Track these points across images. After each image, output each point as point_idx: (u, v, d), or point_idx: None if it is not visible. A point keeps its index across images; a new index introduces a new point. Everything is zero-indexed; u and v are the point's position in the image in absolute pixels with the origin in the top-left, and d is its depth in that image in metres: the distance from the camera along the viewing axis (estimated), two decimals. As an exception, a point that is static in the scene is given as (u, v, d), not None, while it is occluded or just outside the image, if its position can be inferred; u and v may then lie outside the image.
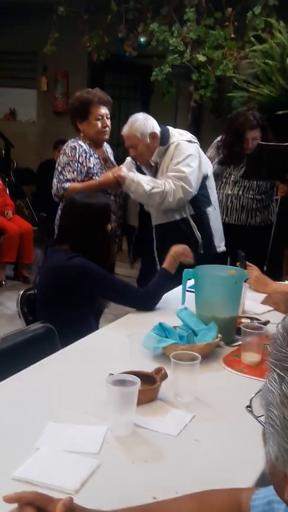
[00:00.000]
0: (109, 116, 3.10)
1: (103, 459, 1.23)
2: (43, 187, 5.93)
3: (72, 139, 3.09)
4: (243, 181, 3.72)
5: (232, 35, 4.74)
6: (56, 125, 6.29)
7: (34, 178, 6.39)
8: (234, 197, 3.75)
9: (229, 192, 3.75)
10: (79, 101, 3.05)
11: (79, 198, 2.37)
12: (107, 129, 3.09)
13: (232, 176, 3.75)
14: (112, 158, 3.25)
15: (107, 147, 3.25)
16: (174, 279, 2.32)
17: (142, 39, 5.30)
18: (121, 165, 3.07)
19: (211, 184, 3.14)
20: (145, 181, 2.91)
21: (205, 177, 3.03)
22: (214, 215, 3.12)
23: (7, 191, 5.62)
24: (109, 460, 1.24)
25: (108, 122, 3.08)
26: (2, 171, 6.20)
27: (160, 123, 3.14)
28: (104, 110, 3.04)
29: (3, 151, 6.44)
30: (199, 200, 3.02)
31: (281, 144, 3.51)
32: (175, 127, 3.20)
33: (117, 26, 5.36)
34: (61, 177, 2.98)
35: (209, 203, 3.07)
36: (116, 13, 5.28)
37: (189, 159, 2.93)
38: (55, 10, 5.47)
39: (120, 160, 3.31)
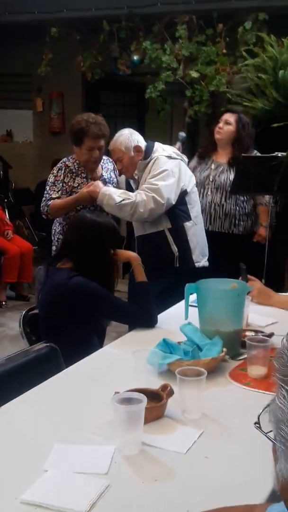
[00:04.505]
0: (103, 148, 3.08)
1: (112, 480, 1.22)
2: (42, 207, 5.97)
3: (64, 159, 3.17)
4: (225, 186, 3.72)
5: (224, 51, 4.80)
6: (53, 145, 6.33)
7: (32, 198, 6.41)
8: (217, 205, 3.75)
9: (210, 199, 3.74)
10: (76, 128, 3.05)
11: (90, 216, 2.38)
12: (97, 160, 3.10)
13: (215, 183, 3.75)
14: (108, 174, 3.21)
15: (106, 164, 3.24)
16: (176, 295, 2.31)
17: (135, 58, 5.36)
18: (95, 181, 3.07)
19: (192, 200, 3.15)
20: (117, 194, 2.97)
21: (183, 192, 3.06)
22: (194, 230, 3.13)
23: (6, 212, 5.63)
24: (118, 480, 1.22)
25: (99, 153, 3.06)
26: (1, 192, 6.22)
27: (156, 139, 3.18)
28: (96, 144, 3.03)
29: (1, 172, 6.48)
30: (177, 215, 3.06)
31: (266, 155, 3.52)
32: (170, 143, 3.21)
33: (110, 45, 5.42)
34: (47, 195, 3.11)
35: (188, 218, 3.10)
36: (108, 33, 5.35)
37: (164, 174, 2.96)
38: (47, 31, 5.54)
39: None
